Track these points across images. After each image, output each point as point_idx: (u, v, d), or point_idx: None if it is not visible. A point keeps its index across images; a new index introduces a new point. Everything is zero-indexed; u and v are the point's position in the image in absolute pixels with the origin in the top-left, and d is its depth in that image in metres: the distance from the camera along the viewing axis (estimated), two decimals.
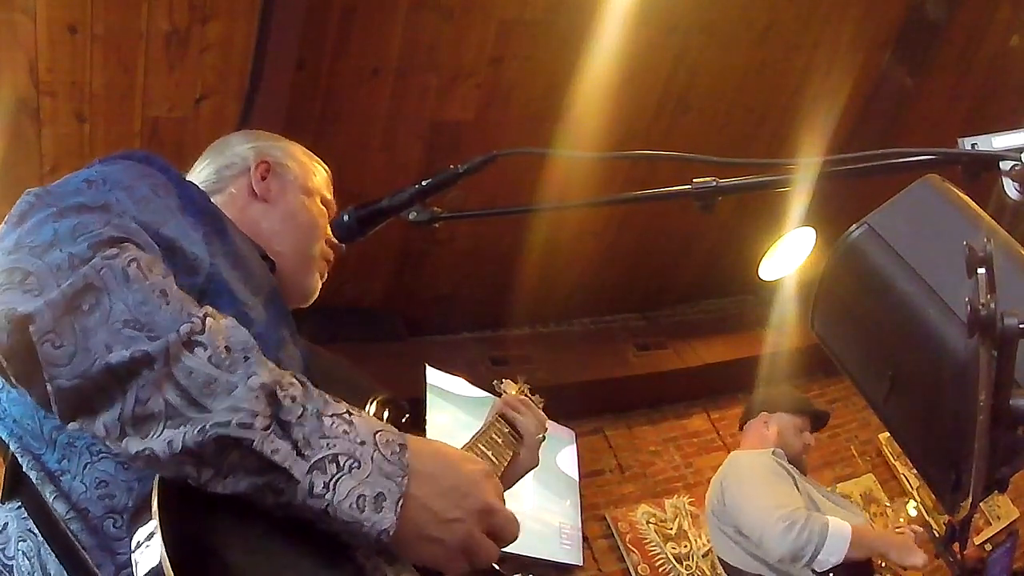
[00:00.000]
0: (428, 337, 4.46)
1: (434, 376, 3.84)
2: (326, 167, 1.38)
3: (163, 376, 0.73)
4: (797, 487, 2.62)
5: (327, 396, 0.83)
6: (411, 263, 4.17)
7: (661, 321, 5.29)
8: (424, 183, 1.23)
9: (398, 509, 0.79)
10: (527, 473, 1.44)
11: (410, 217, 1.25)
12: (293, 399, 0.78)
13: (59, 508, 0.83)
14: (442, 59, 3.48)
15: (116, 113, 3.03)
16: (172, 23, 2.87)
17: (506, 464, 1.34)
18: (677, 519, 4.54)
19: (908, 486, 5.38)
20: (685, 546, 4.43)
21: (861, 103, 4.60)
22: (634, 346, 5.01)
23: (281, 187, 1.26)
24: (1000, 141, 0.91)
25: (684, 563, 4.37)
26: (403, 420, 1.11)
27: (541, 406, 1.57)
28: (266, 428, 0.74)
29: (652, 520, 4.48)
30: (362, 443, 0.79)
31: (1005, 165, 0.89)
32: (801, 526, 2.37)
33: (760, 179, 1.11)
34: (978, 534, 5.11)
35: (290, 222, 1.24)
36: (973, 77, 4.77)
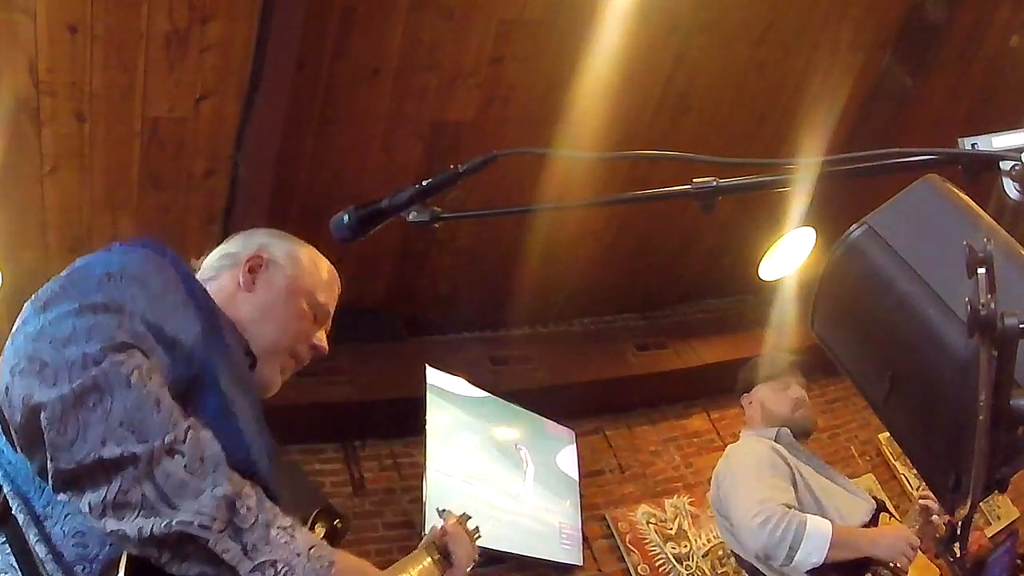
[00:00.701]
0: (428, 337, 4.46)
1: (434, 376, 3.84)
2: (337, 279, 1.39)
3: (144, 474, 0.88)
4: (796, 479, 2.55)
5: (277, 509, 0.99)
6: (411, 263, 4.17)
7: (661, 321, 5.29)
8: (424, 183, 1.23)
9: None
10: None
11: (410, 217, 1.25)
12: (248, 509, 0.94)
13: (40, 550, 0.95)
14: (442, 59, 3.48)
15: (116, 113, 3.03)
16: (172, 23, 2.87)
17: None
18: (677, 519, 4.54)
19: (908, 486, 5.38)
20: (685, 546, 4.43)
21: (861, 103, 4.60)
22: (634, 346, 5.01)
23: (267, 281, 1.31)
24: (1000, 141, 0.91)
25: (684, 563, 4.37)
26: (335, 523, 1.34)
27: (477, 538, 1.70)
28: (221, 531, 0.90)
29: (652, 520, 4.48)
30: (298, 555, 0.97)
31: (1005, 165, 0.89)
32: (775, 523, 2.30)
33: (760, 179, 1.11)
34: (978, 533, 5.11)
35: (266, 313, 1.28)
36: (973, 77, 4.76)
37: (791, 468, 2.57)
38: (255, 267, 1.31)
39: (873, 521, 2.55)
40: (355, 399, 3.96)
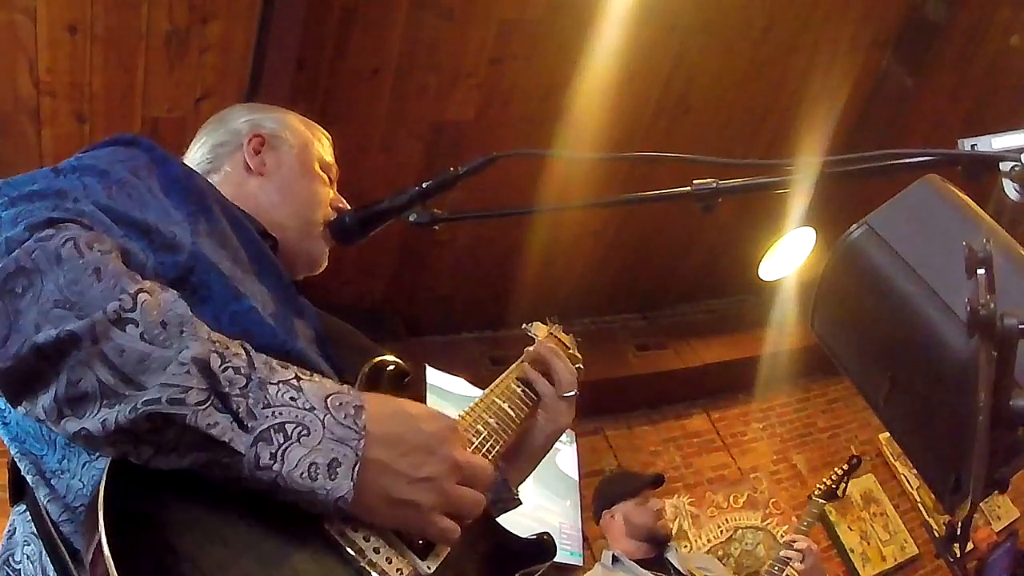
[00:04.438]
0: (428, 337, 4.46)
1: (434, 376, 3.84)
2: (326, 132, 1.37)
3: (92, 355, 0.71)
4: None
5: (274, 364, 0.80)
6: (411, 263, 4.17)
7: (661, 321, 5.29)
8: (424, 185, 1.23)
9: (355, 475, 0.77)
10: (557, 434, 1.32)
11: (410, 219, 1.25)
12: (236, 370, 0.75)
13: (53, 511, 0.83)
14: (442, 59, 3.48)
15: (116, 113, 3.03)
16: (172, 23, 2.87)
17: (514, 427, 1.22)
18: (677, 519, 4.54)
19: (908, 486, 5.38)
20: (685, 546, 4.43)
21: (861, 103, 4.60)
22: (634, 346, 5.01)
23: (276, 159, 1.24)
24: (1000, 142, 0.91)
25: None
26: (404, 381, 1.08)
27: (574, 347, 1.48)
28: (201, 402, 0.72)
29: None
30: (311, 408, 0.77)
31: (1005, 166, 0.89)
32: None
33: (760, 180, 1.11)
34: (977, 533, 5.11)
35: (287, 193, 1.22)
36: (973, 77, 4.76)
37: None
38: (258, 147, 1.24)
39: None
40: None
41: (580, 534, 4.23)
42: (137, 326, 0.73)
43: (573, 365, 1.42)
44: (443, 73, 3.53)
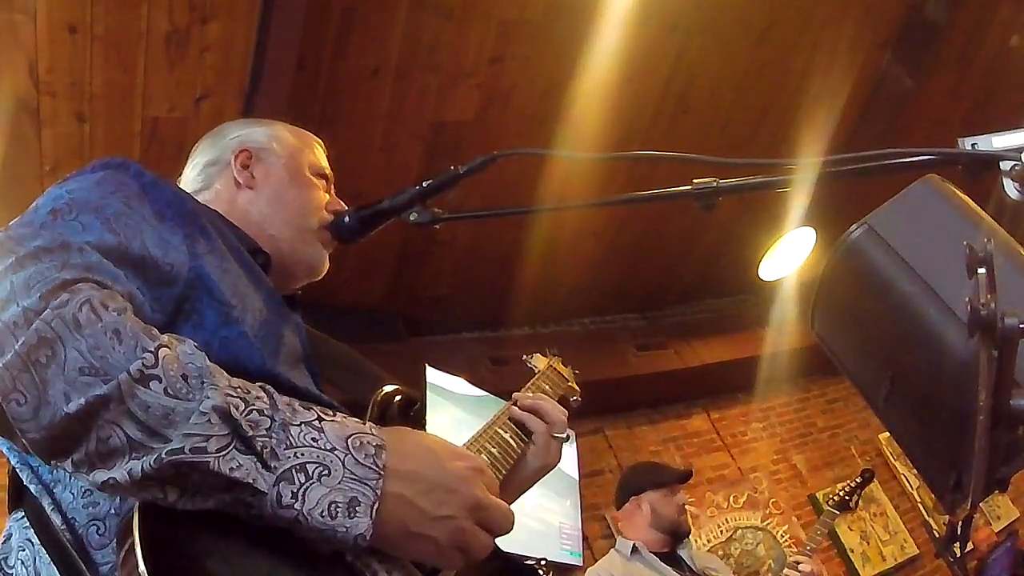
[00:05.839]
0: (428, 337, 4.46)
1: (434, 376, 3.84)
2: (319, 139, 1.37)
3: (120, 413, 0.75)
4: None
5: (296, 405, 0.83)
6: (411, 263, 4.17)
7: (661, 321, 5.29)
8: (424, 184, 1.23)
9: (373, 513, 0.79)
10: (544, 471, 1.36)
11: (411, 218, 1.25)
12: (260, 412, 0.79)
13: (55, 519, 0.86)
14: (442, 59, 3.48)
15: (116, 113, 3.03)
16: (172, 23, 2.87)
17: (512, 462, 1.28)
18: None
19: (908, 486, 5.38)
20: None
21: (861, 103, 4.60)
22: (634, 346, 5.01)
23: (264, 171, 1.25)
24: (1000, 141, 0.91)
25: None
26: (411, 411, 1.11)
27: (572, 379, 1.50)
28: (222, 448, 0.75)
29: None
30: (332, 449, 0.80)
31: (1005, 165, 0.89)
32: None
33: (760, 179, 1.11)
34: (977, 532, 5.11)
35: (278, 203, 1.23)
36: (973, 77, 4.77)
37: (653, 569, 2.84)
38: (246, 162, 1.25)
39: None
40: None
41: (580, 534, 4.23)
42: (160, 382, 0.76)
43: (571, 397, 1.49)
44: (443, 73, 3.53)
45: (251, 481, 0.75)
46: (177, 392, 0.76)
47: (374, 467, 0.81)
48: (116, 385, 0.74)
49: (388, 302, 4.27)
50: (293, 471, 0.78)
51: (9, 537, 0.90)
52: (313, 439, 0.80)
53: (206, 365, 0.79)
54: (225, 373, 0.81)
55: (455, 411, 3.88)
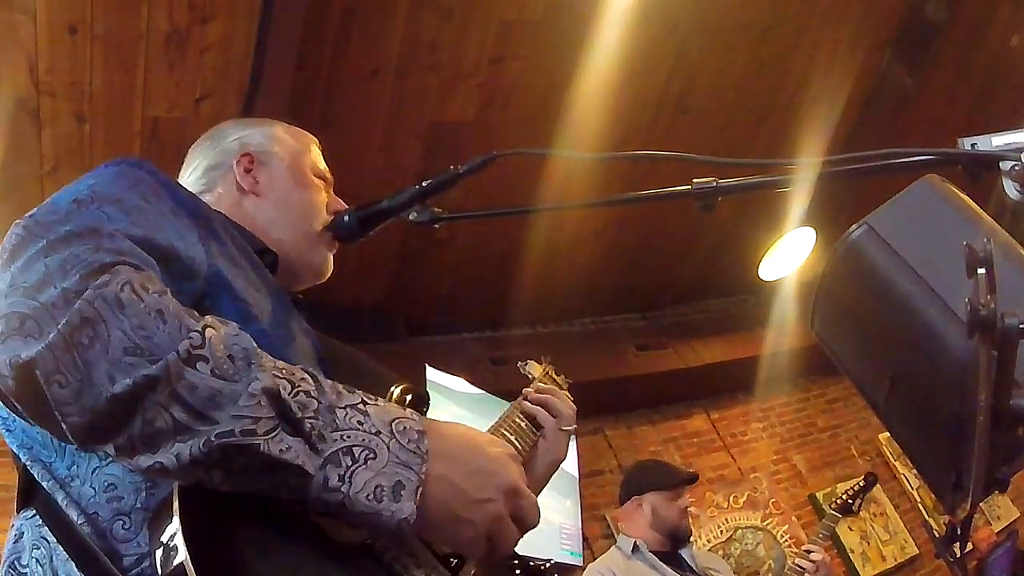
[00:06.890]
0: (428, 337, 4.46)
1: (434, 376, 3.84)
2: (315, 139, 1.37)
3: (168, 396, 0.73)
4: None
5: (340, 388, 0.83)
6: (411, 263, 4.17)
7: (661, 321, 5.29)
8: (424, 184, 1.23)
9: (418, 497, 0.79)
10: (555, 466, 1.39)
11: (410, 218, 1.25)
12: (307, 394, 0.78)
13: (72, 514, 0.84)
14: (442, 59, 3.48)
15: (116, 113, 3.03)
16: (172, 23, 2.87)
17: (525, 456, 1.30)
18: None
19: (908, 486, 5.38)
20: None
21: (861, 103, 4.60)
22: (634, 346, 5.01)
23: (268, 175, 1.25)
24: (1000, 141, 0.91)
25: None
26: (422, 410, 1.11)
27: (566, 387, 1.53)
28: (271, 431, 0.75)
29: None
30: (377, 433, 0.80)
31: (1005, 165, 0.89)
32: None
33: (760, 179, 1.11)
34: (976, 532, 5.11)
35: (284, 208, 1.23)
36: (973, 77, 4.77)
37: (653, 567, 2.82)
38: (249, 166, 1.24)
39: None
40: None
41: (580, 534, 4.23)
42: (207, 363, 0.75)
43: None
44: (443, 73, 3.53)
45: (300, 463, 0.75)
46: (224, 373, 0.75)
47: (418, 451, 0.81)
48: (164, 365, 0.73)
49: (388, 302, 4.27)
50: (340, 454, 0.77)
51: (21, 536, 0.89)
52: (359, 422, 0.80)
53: (252, 346, 0.79)
54: (268, 355, 0.80)
55: (455, 409, 3.88)
